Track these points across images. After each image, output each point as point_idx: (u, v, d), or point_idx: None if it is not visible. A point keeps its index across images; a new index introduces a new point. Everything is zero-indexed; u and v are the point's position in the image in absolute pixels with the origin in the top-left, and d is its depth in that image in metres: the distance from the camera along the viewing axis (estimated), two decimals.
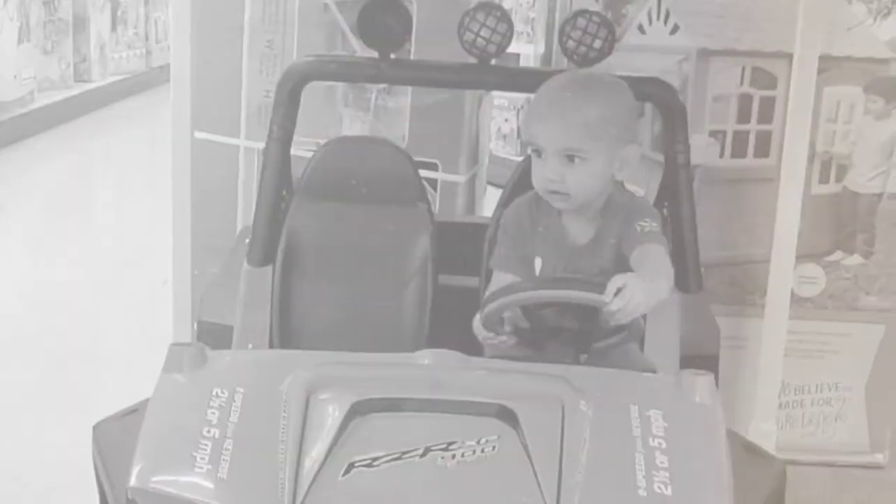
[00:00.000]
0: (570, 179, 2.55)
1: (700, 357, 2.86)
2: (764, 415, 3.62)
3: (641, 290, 2.33)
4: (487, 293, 2.60)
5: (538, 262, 2.66)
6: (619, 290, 2.31)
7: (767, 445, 3.11)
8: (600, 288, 2.34)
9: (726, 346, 3.32)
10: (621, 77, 2.72)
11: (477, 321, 2.53)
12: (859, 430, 4.07)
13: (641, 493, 2.04)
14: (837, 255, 3.97)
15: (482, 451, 2.09)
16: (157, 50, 12.10)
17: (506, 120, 7.34)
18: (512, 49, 3.38)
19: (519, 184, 2.95)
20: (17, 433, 4.04)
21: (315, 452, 2.09)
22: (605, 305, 2.34)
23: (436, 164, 3.91)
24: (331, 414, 2.14)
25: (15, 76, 8.95)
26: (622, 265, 2.54)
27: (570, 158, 2.54)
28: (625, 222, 2.61)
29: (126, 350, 4.68)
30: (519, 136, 7.21)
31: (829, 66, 3.71)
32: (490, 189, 4.32)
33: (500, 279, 2.65)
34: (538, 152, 2.58)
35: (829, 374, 4.04)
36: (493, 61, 3.07)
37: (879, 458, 4.09)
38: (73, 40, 10.50)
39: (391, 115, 3.92)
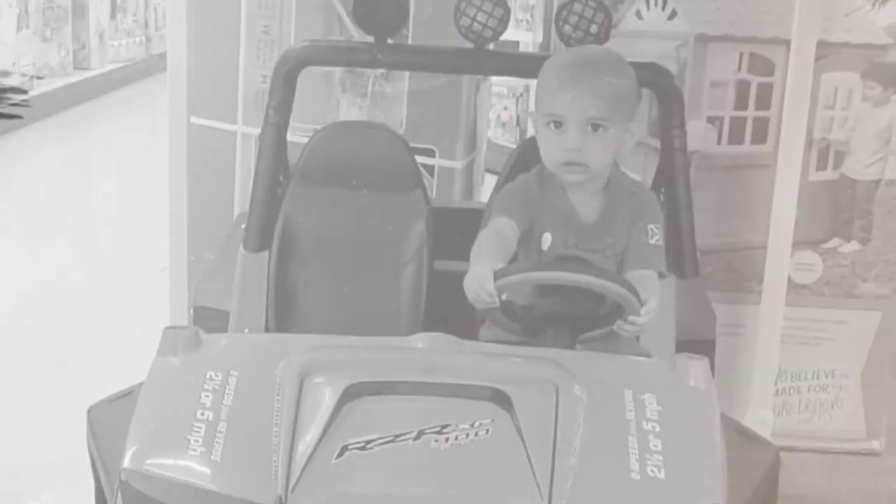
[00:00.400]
0: (591, 150, 2.56)
1: (696, 342, 2.86)
2: (760, 401, 3.62)
3: (657, 316, 2.48)
4: (481, 236, 2.60)
5: (547, 238, 2.64)
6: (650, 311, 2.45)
7: (764, 432, 3.12)
8: (639, 300, 2.43)
9: (723, 333, 3.33)
10: None
11: (478, 276, 2.45)
12: (856, 417, 4.08)
13: (635, 476, 2.05)
14: (834, 242, 3.97)
15: (476, 434, 2.09)
16: (156, 38, 12.09)
17: (505, 108, 7.33)
18: (511, 37, 3.39)
19: (515, 169, 2.96)
20: (15, 424, 4.04)
21: (309, 435, 2.08)
22: (635, 313, 2.43)
23: (433, 151, 3.91)
24: (325, 397, 2.13)
25: (14, 63, 8.94)
26: (633, 247, 2.63)
27: (595, 128, 2.55)
28: (634, 216, 2.65)
29: (124, 338, 4.68)
30: (518, 123, 7.20)
31: (826, 52, 3.71)
32: (488, 177, 4.32)
33: (501, 223, 2.62)
34: (558, 123, 2.57)
35: (826, 361, 4.05)
36: (491, 46, 3.07)
37: (876, 445, 4.10)
38: (72, 27, 10.50)
39: (388, 100, 3.92)
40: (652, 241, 2.64)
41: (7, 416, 4.13)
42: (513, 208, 2.65)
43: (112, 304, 5.26)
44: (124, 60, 11.44)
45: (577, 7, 3.00)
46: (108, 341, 4.83)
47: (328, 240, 3.02)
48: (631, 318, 2.44)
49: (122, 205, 7.57)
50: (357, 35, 3.61)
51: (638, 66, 2.76)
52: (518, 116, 7.23)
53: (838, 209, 3.94)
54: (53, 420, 3.94)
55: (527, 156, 2.84)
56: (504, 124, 7.34)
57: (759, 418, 3.51)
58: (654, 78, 3.07)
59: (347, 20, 3.83)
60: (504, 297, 2.48)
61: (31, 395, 4.31)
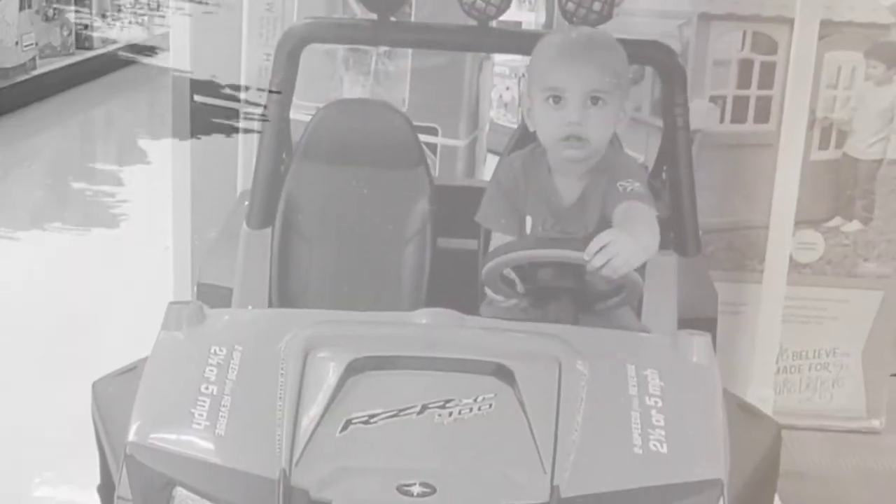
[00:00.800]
0: (591, 124, 2.56)
1: (698, 320, 2.86)
2: (761, 380, 3.63)
3: (628, 245, 2.36)
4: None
5: (528, 221, 2.68)
6: (602, 248, 2.34)
7: (765, 410, 3.13)
8: (580, 245, 2.37)
9: (725, 312, 3.34)
10: (622, 40, 2.73)
11: None
12: (856, 395, 4.09)
13: (637, 450, 2.06)
14: (836, 222, 3.97)
15: (479, 408, 2.10)
16: (158, 18, 12.05)
17: (507, 88, 7.32)
18: (514, 17, 3.37)
19: (517, 149, 2.96)
20: (21, 398, 4.05)
21: (313, 409, 2.10)
22: (586, 263, 2.37)
23: (435, 129, 3.91)
24: (328, 371, 2.15)
25: (17, 43, 8.93)
26: (605, 226, 2.55)
27: (595, 101, 2.56)
28: (608, 182, 2.63)
29: (128, 315, 4.68)
30: (521, 102, 7.19)
31: (830, 31, 3.71)
32: (490, 157, 4.31)
33: (497, 239, 2.68)
34: (557, 98, 2.58)
35: (827, 339, 4.06)
36: (494, 24, 3.06)
37: (876, 423, 4.11)
38: (74, 7, 10.48)
39: (391, 78, 3.91)
40: (627, 189, 2.57)
41: (13, 390, 4.15)
42: (499, 218, 2.71)
43: (114, 281, 5.26)
44: (126, 40, 11.42)
45: None
46: (111, 319, 4.84)
47: (331, 217, 3.03)
48: (588, 266, 2.39)
49: (123, 183, 7.57)
50: (360, 12, 3.62)
51: (641, 44, 2.77)
52: (520, 96, 7.22)
53: (840, 188, 3.95)
54: (58, 395, 3.96)
55: (528, 136, 2.84)
56: (506, 105, 7.33)
57: (761, 396, 3.52)
58: (656, 55, 3.07)
59: None
60: (519, 290, 2.53)
61: (35, 371, 4.32)
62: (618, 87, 2.60)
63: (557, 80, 2.59)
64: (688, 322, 2.78)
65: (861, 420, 4.11)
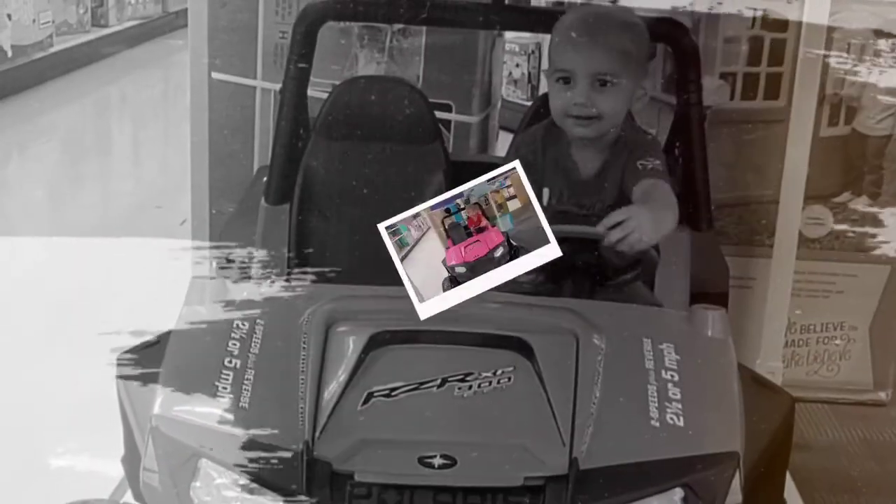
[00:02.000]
0: (601, 103, 2.59)
1: (709, 295, 2.90)
2: (770, 353, 3.66)
3: (645, 222, 2.39)
4: None
5: (545, 193, 2.69)
6: (619, 223, 2.37)
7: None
8: (596, 220, 2.41)
9: (734, 286, 3.36)
10: None
11: None
12: (863, 368, 4.12)
13: (654, 423, 2.10)
14: (845, 197, 4.00)
15: (498, 382, 2.14)
16: None
17: (517, 65, 7.32)
18: None
19: (532, 124, 2.98)
20: (39, 372, 4.08)
21: (335, 383, 2.14)
22: (604, 237, 2.40)
23: (449, 105, 3.93)
24: (350, 345, 2.19)
25: (33, 20, 8.96)
26: (624, 201, 2.59)
27: (603, 83, 2.58)
28: (627, 160, 2.65)
29: (144, 290, 4.71)
30: (530, 80, 7.20)
31: (839, 7, 3.72)
32: (502, 134, 4.33)
33: None
34: (566, 79, 2.61)
35: (835, 313, 4.08)
36: (508, 1, 3.09)
37: (882, 396, 4.14)
38: None
39: (406, 56, 3.93)
40: (647, 168, 2.60)
41: (30, 364, 4.18)
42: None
43: (130, 258, 5.28)
44: (141, 18, 11.42)
45: None
46: (127, 293, 4.86)
47: (349, 192, 3.06)
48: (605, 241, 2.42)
49: (139, 159, 7.59)
50: None
51: (653, 21, 2.78)
52: (530, 73, 7.23)
53: (849, 164, 3.97)
54: (75, 368, 3.99)
55: (543, 112, 2.87)
56: (516, 81, 7.34)
57: (769, 369, 3.56)
58: (668, 32, 3.08)
59: None
60: None
61: (51, 345, 4.35)
62: (628, 68, 2.61)
63: (565, 63, 2.62)
64: (700, 297, 2.81)
65: (868, 393, 4.14)
